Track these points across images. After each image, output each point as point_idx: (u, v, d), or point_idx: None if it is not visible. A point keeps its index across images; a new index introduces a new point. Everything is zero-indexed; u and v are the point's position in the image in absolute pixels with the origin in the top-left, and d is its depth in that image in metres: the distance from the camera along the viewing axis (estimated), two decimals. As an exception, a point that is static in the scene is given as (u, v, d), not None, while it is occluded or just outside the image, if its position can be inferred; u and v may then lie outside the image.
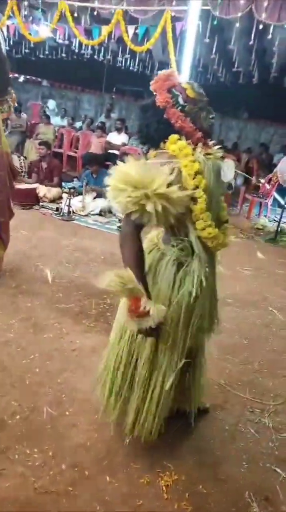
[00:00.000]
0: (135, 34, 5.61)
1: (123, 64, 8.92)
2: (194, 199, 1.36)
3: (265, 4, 4.62)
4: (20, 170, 5.61)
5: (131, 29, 5.51)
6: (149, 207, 1.24)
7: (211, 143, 1.49)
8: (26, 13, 6.26)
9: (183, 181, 1.34)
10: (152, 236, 1.59)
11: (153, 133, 1.42)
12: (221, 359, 2.40)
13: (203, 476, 1.61)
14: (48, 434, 1.70)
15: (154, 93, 1.43)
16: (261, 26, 5.04)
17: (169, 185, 1.27)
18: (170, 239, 1.47)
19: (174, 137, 1.38)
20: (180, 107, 1.39)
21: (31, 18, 6.99)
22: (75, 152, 7.71)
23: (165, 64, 7.86)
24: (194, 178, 1.34)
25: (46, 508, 1.39)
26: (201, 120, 1.40)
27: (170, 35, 5.11)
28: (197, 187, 1.35)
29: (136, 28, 5.63)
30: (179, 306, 1.44)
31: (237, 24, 5.13)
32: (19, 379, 2.00)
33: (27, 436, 1.67)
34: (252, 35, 5.29)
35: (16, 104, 3.02)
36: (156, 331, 1.38)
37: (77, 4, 5.64)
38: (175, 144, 1.36)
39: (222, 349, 2.49)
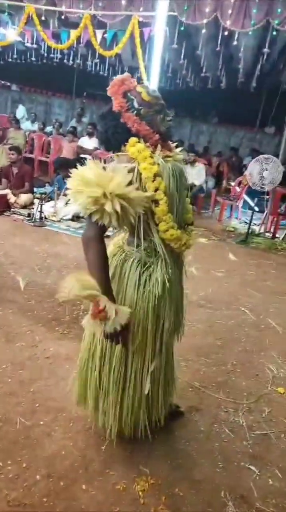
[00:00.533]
0: (103, 38, 5.63)
1: (93, 69, 8.92)
2: (155, 202, 1.38)
3: (229, 11, 4.76)
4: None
5: (99, 33, 5.54)
6: (108, 207, 1.25)
7: (173, 145, 1.52)
8: (-8, 16, 6.16)
9: (143, 183, 1.36)
10: (117, 240, 1.61)
11: (111, 137, 1.43)
12: (195, 361, 2.44)
13: (179, 478, 1.62)
14: (21, 445, 1.66)
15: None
16: (226, 33, 5.19)
17: (128, 185, 1.29)
18: (134, 241, 1.49)
19: (133, 140, 1.40)
20: (135, 111, 1.41)
21: (-3, 21, 6.87)
22: (47, 157, 7.62)
23: (134, 69, 7.92)
24: (153, 181, 1.36)
25: (20, 521, 1.36)
26: (157, 123, 1.42)
27: (137, 40, 5.17)
28: (157, 189, 1.37)
29: (104, 33, 5.66)
30: (144, 307, 1.46)
31: (204, 30, 5.26)
32: (-10, 391, 1.95)
33: (0, 448, 1.63)
34: (218, 41, 5.43)
35: None
36: (122, 334, 1.38)
37: (44, 7, 5.60)
38: (134, 146, 1.38)
39: (196, 351, 2.52)
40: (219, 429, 1.93)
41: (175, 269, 1.51)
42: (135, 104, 1.40)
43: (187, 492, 1.57)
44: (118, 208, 1.26)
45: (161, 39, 5.04)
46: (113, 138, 1.42)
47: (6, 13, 6.37)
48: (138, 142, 1.39)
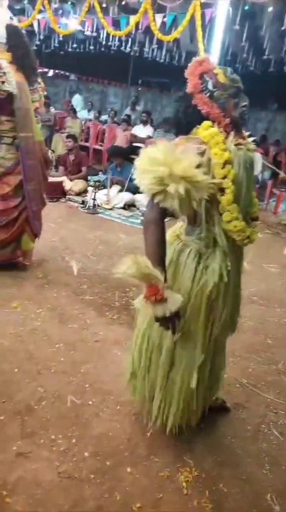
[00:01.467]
0: (163, 23, 5.52)
1: (150, 55, 8.83)
2: (222, 190, 1.34)
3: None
4: (51, 159, 5.70)
5: (159, 18, 5.43)
6: (171, 188, 1.21)
7: (246, 133, 1.46)
8: (56, 6, 6.30)
9: (211, 169, 1.32)
10: (175, 228, 1.59)
11: (183, 119, 1.40)
12: (244, 358, 2.37)
13: (224, 474, 1.60)
14: (71, 421, 1.75)
15: (183, 83, 1.42)
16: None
17: (196, 168, 1.25)
18: (193, 230, 1.46)
19: (206, 123, 1.36)
20: (208, 93, 1.37)
21: (60, 11, 7.04)
22: (101, 146, 7.74)
23: (192, 54, 7.69)
24: (223, 168, 1.32)
25: (70, 492, 1.43)
26: (230, 107, 1.37)
27: (198, 22, 4.98)
28: (225, 177, 1.33)
29: (164, 17, 5.55)
30: (199, 299, 1.43)
31: (270, 9, 4.95)
32: (45, 367, 2.06)
33: (52, 422, 1.72)
34: (285, 20, 5.08)
35: (45, 93, 3.10)
36: (172, 321, 1.36)
37: (106, -5, 5.63)
38: (206, 130, 1.34)
39: (245, 348, 2.46)
40: (267, 430, 1.87)
41: (234, 263, 1.46)
42: (210, 86, 1.37)
43: (231, 489, 1.55)
44: (182, 190, 1.21)
45: (223, 20, 4.83)
46: (185, 120, 1.39)
47: (69, 3, 6.49)
48: (212, 126, 1.35)
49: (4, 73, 2.60)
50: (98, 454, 1.60)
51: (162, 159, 1.24)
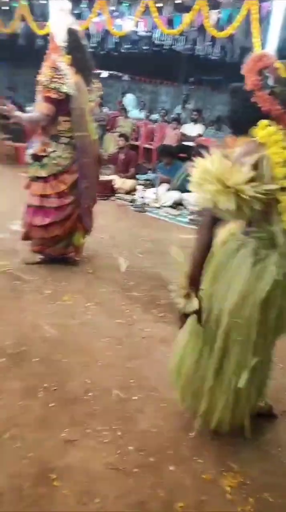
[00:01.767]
0: (217, 19, 5.42)
1: (203, 53, 8.69)
2: (283, 189, 1.30)
3: None
4: (104, 157, 5.86)
5: (213, 14, 5.34)
6: (222, 204, 1.24)
7: None
8: (113, 8, 6.43)
9: (270, 169, 1.28)
10: (231, 227, 1.56)
11: (240, 118, 1.38)
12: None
13: (270, 484, 1.55)
14: (117, 415, 1.79)
15: (236, 80, 1.39)
16: None
17: (250, 181, 1.24)
18: (249, 230, 1.43)
19: (263, 122, 1.31)
20: (268, 89, 1.33)
21: (116, 13, 7.17)
22: (151, 144, 7.79)
23: (247, 50, 7.46)
24: (283, 166, 1.27)
25: (114, 483, 1.47)
26: None
27: (255, 16, 4.82)
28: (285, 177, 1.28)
29: (218, 13, 5.44)
30: (253, 300, 1.40)
31: None
32: (93, 360, 2.13)
33: (98, 414, 1.78)
34: None
35: (102, 92, 3.18)
36: (181, 319, 1.47)
37: (161, -6, 5.65)
38: (263, 130, 1.30)
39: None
40: None
41: None
42: (270, 82, 1.33)
43: (278, 500, 1.49)
44: (232, 206, 1.24)
45: (281, 15, 4.64)
46: (243, 119, 1.37)
47: (125, 4, 6.60)
48: (269, 125, 1.32)
49: (63, 75, 2.71)
50: (142, 450, 1.62)
51: (214, 174, 1.25)
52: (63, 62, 2.75)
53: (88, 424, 1.72)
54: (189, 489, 1.48)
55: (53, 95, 2.69)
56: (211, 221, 1.36)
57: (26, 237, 3.14)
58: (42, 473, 1.49)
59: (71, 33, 2.80)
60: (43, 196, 2.91)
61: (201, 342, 1.55)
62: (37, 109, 2.82)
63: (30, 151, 3.06)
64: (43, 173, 2.88)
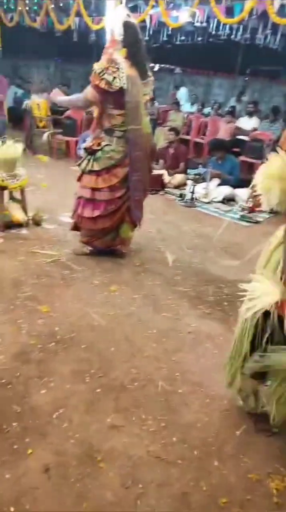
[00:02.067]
0: (281, 6, 5.15)
1: (262, 42, 8.33)
2: None
3: None
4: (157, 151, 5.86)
5: (278, 1, 5.08)
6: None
7: None
8: (168, 0, 6.39)
9: None
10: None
11: None
12: None
13: None
14: (161, 406, 1.81)
15: None
16: None
17: None
18: None
19: None
20: None
21: (172, 4, 7.10)
22: (202, 139, 7.66)
23: (311, 38, 7.04)
24: None
25: (157, 471, 1.49)
26: None
27: None
28: None
29: None
30: None
31: None
32: (138, 350, 2.16)
33: (143, 403, 1.81)
34: None
35: (154, 86, 3.16)
36: None
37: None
38: None
39: None
40: None
41: None
42: None
43: None
44: None
45: None
46: None
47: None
48: None
49: (118, 68, 2.71)
50: (186, 442, 1.63)
51: (278, 174, 1.25)
52: (119, 55, 2.77)
53: (133, 412, 1.76)
54: (234, 487, 1.46)
55: (103, 85, 2.70)
56: None
57: (75, 227, 3.23)
58: (88, 453, 1.55)
59: (128, 27, 2.79)
60: (95, 189, 2.97)
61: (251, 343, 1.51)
62: (83, 93, 2.86)
63: (84, 144, 3.13)
64: (96, 166, 2.93)
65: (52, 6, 7.94)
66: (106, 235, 3.13)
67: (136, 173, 2.97)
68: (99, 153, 2.93)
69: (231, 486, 1.46)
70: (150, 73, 3.02)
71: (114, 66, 2.70)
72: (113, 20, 2.85)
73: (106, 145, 2.92)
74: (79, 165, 3.05)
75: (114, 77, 2.70)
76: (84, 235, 3.19)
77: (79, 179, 3.07)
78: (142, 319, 2.46)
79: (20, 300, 2.55)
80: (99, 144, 2.93)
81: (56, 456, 1.54)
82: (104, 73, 2.69)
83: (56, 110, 7.23)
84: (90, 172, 2.97)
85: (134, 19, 2.94)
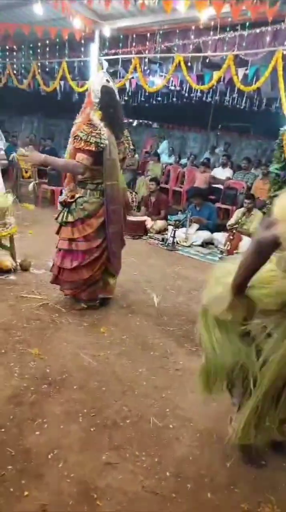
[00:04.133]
0: (245, 75, 5.86)
1: (230, 103, 9.26)
2: None
3: None
4: (131, 205, 6.21)
5: (241, 71, 5.79)
6: None
7: None
8: (145, 68, 7.12)
9: None
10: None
11: None
12: None
13: (309, 517, 1.55)
14: (154, 441, 1.86)
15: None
16: None
17: None
18: None
19: None
20: None
21: (148, 71, 7.90)
22: (181, 187, 8.16)
23: (273, 100, 7.91)
24: None
25: (152, 506, 1.53)
26: None
27: (280, 73, 5.20)
28: None
29: (246, 69, 5.89)
30: None
31: None
32: (129, 388, 2.23)
33: (136, 440, 1.86)
34: None
35: (131, 146, 3.36)
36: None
37: (191, 55, 6.21)
38: None
39: None
40: None
41: None
42: None
43: None
44: None
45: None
46: None
47: (157, 64, 7.29)
48: None
49: (99, 129, 2.89)
50: (179, 476, 1.68)
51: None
52: (95, 116, 2.95)
53: (127, 449, 1.80)
54: (227, 517, 1.51)
55: (93, 149, 2.87)
56: (272, 247, 1.40)
57: (54, 280, 3.23)
58: (84, 492, 1.58)
59: (106, 91, 3.00)
60: (71, 240, 3.06)
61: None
62: (76, 159, 2.95)
63: (60, 198, 3.24)
64: (70, 218, 3.04)
65: (39, 70, 8.62)
66: (90, 286, 3.13)
67: (113, 225, 3.07)
68: (73, 205, 3.05)
69: (225, 516, 1.51)
70: (126, 133, 3.22)
71: (96, 129, 2.88)
72: (93, 84, 3.08)
73: (80, 197, 3.05)
74: (56, 218, 3.16)
75: (100, 138, 2.88)
76: (68, 288, 3.19)
77: (57, 231, 3.18)
78: (131, 358, 2.54)
79: (11, 343, 2.60)
80: (73, 197, 3.07)
81: (53, 496, 1.56)
82: (90, 137, 2.86)
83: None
84: (66, 223, 3.06)
85: (113, 84, 3.14)
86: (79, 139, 2.88)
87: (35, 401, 2.08)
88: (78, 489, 1.59)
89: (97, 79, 3.09)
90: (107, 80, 3.05)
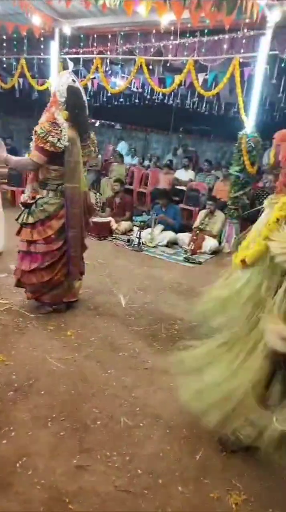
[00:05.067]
0: (204, 80, 6.05)
1: (191, 106, 9.49)
2: None
3: None
4: (96, 206, 6.16)
5: (201, 76, 5.96)
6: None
7: None
8: (107, 69, 7.11)
9: None
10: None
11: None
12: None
13: (274, 501, 1.64)
14: (125, 441, 1.87)
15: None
16: None
17: None
18: None
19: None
20: None
21: (110, 72, 7.90)
22: (145, 188, 8.24)
23: (231, 104, 8.22)
24: None
25: (125, 505, 1.54)
26: None
27: (238, 79, 5.43)
28: None
29: (206, 75, 6.08)
30: None
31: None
32: (99, 390, 2.23)
33: (107, 440, 1.86)
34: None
35: (96, 151, 3.30)
36: None
37: (153, 58, 6.29)
38: None
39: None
40: None
41: None
42: None
43: (281, 517, 1.57)
44: None
45: (261, 77, 5.23)
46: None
47: (119, 65, 7.31)
48: None
49: (61, 130, 2.83)
50: (151, 472, 1.71)
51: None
52: (61, 116, 2.89)
53: (98, 450, 1.80)
54: (197, 508, 1.55)
55: (48, 148, 2.80)
56: None
57: (18, 283, 3.14)
58: (56, 497, 1.56)
59: (72, 91, 2.94)
60: (30, 242, 2.98)
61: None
62: (29, 156, 2.91)
63: (21, 199, 3.13)
64: (30, 219, 2.96)
65: (-5, 66, 8.35)
66: (52, 289, 3.05)
67: (73, 229, 3.00)
68: (33, 206, 2.97)
69: (195, 508, 1.56)
70: (92, 136, 3.16)
71: (58, 129, 2.82)
72: (58, 83, 2.99)
73: (40, 198, 2.98)
74: (17, 219, 3.06)
75: (58, 139, 2.81)
76: (29, 291, 3.10)
77: (18, 232, 3.08)
78: (100, 360, 2.54)
79: (-26, 351, 2.50)
80: (33, 198, 3.00)
81: (23, 504, 1.52)
82: (48, 136, 2.79)
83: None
84: (26, 225, 2.98)
85: (79, 84, 3.06)
86: (37, 135, 2.81)
87: (0, 409, 2.01)
88: (50, 495, 1.56)
89: (62, 78, 3.00)
90: (73, 80, 2.98)
